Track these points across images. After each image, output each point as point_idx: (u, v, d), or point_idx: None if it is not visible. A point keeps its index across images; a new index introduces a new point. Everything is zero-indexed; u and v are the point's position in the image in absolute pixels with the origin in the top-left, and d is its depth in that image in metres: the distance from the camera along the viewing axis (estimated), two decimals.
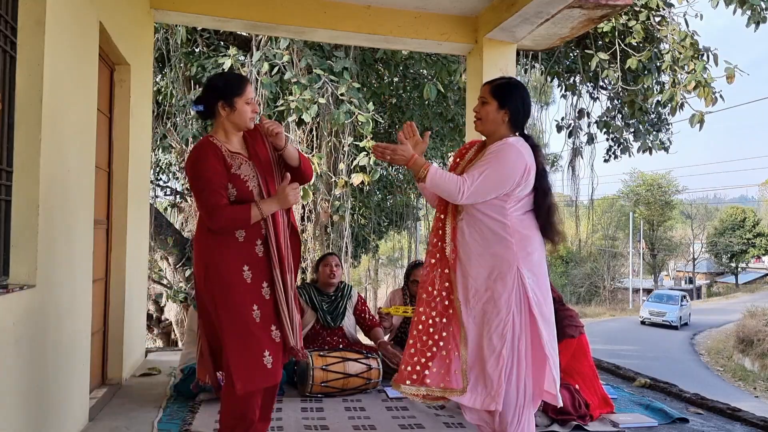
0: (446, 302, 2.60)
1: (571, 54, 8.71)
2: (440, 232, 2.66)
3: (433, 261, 2.65)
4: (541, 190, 2.60)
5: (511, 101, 2.61)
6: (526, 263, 2.50)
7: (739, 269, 44.68)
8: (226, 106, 2.57)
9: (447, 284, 2.60)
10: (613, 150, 9.84)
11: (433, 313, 2.60)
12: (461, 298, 2.56)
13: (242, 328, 2.48)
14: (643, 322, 28.94)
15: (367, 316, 4.50)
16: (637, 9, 7.30)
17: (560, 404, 2.60)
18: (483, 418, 2.62)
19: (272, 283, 2.56)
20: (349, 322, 4.41)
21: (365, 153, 6.88)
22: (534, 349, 2.51)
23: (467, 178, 2.49)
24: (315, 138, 8.41)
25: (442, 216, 2.67)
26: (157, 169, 9.68)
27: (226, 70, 6.72)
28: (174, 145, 8.20)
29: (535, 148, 2.62)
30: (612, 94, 9.19)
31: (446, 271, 2.60)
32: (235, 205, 2.52)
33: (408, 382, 2.57)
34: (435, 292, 2.62)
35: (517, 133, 2.64)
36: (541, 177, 2.60)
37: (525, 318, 2.50)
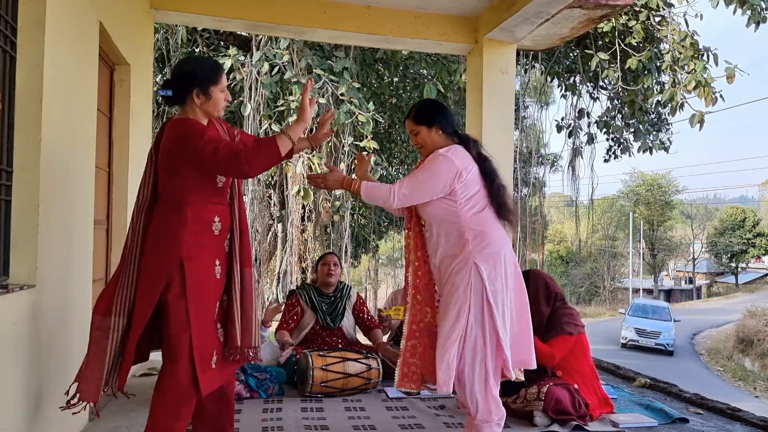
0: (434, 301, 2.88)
1: (571, 54, 8.72)
2: (409, 240, 2.95)
3: (416, 264, 2.90)
4: (488, 177, 2.80)
5: (435, 119, 2.86)
6: (483, 257, 2.70)
7: (739, 269, 44.67)
8: (202, 94, 2.42)
9: (431, 284, 2.88)
10: (613, 150, 9.85)
11: (428, 311, 2.88)
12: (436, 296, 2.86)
13: (205, 326, 2.36)
14: (624, 345, 21.10)
15: (366, 316, 4.50)
16: (637, 9, 7.31)
17: (513, 377, 2.77)
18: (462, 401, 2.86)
19: (231, 278, 2.48)
20: (348, 323, 4.41)
21: (366, 153, 6.88)
22: (493, 334, 2.70)
23: (398, 184, 2.76)
24: None
25: (408, 226, 2.95)
26: None
27: (225, 70, 6.73)
28: None
29: (474, 143, 2.88)
30: (612, 94, 9.20)
31: (427, 272, 2.88)
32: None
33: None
34: (425, 292, 2.88)
35: (455, 140, 2.87)
36: (485, 167, 2.82)
37: (484, 307, 2.69)
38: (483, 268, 2.68)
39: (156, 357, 2.58)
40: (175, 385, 2.33)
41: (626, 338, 21.04)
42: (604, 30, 7.60)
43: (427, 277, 2.88)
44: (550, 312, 3.53)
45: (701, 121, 7.09)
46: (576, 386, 3.37)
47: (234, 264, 2.46)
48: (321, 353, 3.87)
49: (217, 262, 2.42)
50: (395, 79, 8.92)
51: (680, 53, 7.20)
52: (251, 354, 2.50)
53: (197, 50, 7.71)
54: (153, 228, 2.40)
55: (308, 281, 6.22)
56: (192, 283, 2.32)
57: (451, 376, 2.66)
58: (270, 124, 7.16)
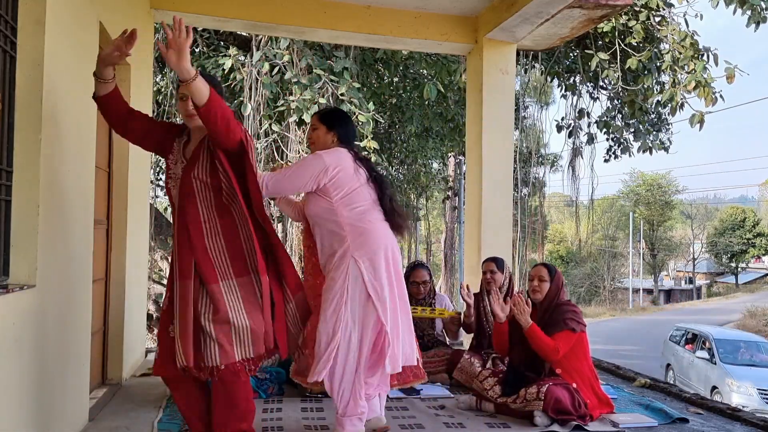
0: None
1: (571, 54, 8.72)
2: (308, 234, 3.16)
3: (313, 259, 3.12)
4: (379, 189, 2.97)
5: (336, 125, 3.03)
6: (362, 252, 2.82)
7: (739, 269, 44.68)
8: None
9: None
10: (613, 150, 9.85)
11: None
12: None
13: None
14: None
15: None
16: (637, 9, 7.30)
17: (389, 371, 2.87)
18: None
19: (171, 285, 2.53)
20: None
21: (365, 153, 6.88)
22: (375, 327, 2.80)
23: (267, 176, 2.89)
24: None
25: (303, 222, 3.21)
26: (157, 169, 9.68)
27: (226, 70, 6.73)
28: None
29: (364, 160, 3.04)
30: (612, 94, 9.19)
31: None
32: None
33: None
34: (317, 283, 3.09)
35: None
36: (375, 176, 2.99)
37: (363, 300, 2.79)
38: (362, 262, 2.80)
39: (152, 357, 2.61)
40: None
41: (744, 406, 9.54)
42: (604, 30, 7.60)
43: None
44: (553, 308, 3.53)
45: (701, 121, 7.09)
46: (575, 385, 3.37)
47: (174, 272, 2.50)
48: None
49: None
50: (395, 79, 8.92)
51: (680, 53, 7.20)
52: (188, 367, 2.41)
53: (197, 50, 7.71)
54: None
55: None
56: None
57: (326, 367, 2.77)
58: (270, 124, 7.16)
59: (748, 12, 6.73)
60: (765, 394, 10.54)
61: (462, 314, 4.42)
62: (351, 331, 2.79)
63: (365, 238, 2.84)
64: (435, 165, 14.97)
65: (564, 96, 9.75)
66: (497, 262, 4.36)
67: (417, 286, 4.47)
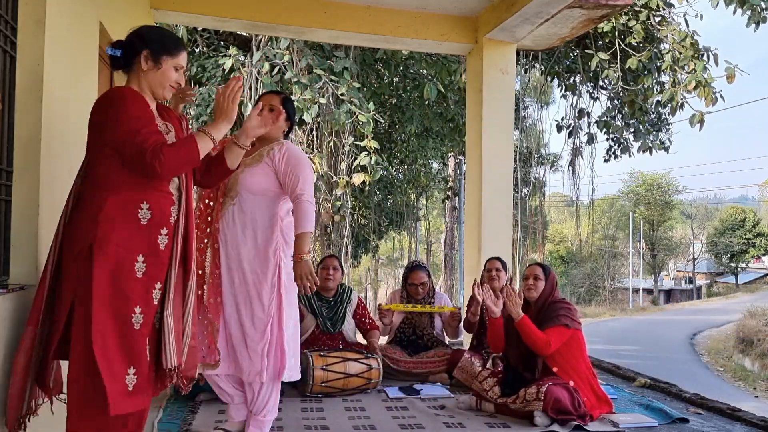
0: (214, 280, 2.77)
1: (571, 54, 8.72)
2: (209, 213, 2.85)
3: (205, 241, 2.81)
4: None
5: (292, 117, 3.00)
6: (287, 250, 2.80)
7: (739, 269, 44.64)
8: (151, 59, 2.13)
9: (217, 262, 2.79)
10: (613, 150, 9.85)
11: (201, 292, 2.72)
12: (226, 278, 2.78)
13: (114, 331, 1.98)
14: None
15: (366, 320, 4.45)
16: (637, 9, 7.31)
17: (296, 378, 2.87)
18: (237, 391, 2.91)
19: (166, 286, 2.12)
20: (349, 327, 4.34)
21: (366, 152, 6.89)
22: (281, 328, 2.77)
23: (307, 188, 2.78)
24: (315, 138, 8.42)
25: (211, 196, 2.85)
26: None
27: (226, 71, 6.72)
28: None
29: None
30: (612, 94, 9.20)
31: (216, 246, 2.80)
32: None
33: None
34: (207, 270, 2.77)
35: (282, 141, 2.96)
36: None
37: (276, 300, 2.77)
38: (284, 262, 2.78)
39: None
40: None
41: None
42: (604, 30, 7.60)
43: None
44: (548, 306, 3.54)
45: (701, 121, 7.09)
46: (572, 383, 3.37)
47: (171, 270, 2.12)
48: (321, 353, 3.87)
49: (140, 258, 2.03)
50: (395, 79, 8.92)
51: (680, 53, 7.20)
52: (178, 381, 2.15)
53: (197, 50, 7.71)
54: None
55: None
56: (99, 271, 1.97)
57: (266, 363, 2.71)
58: None
59: (748, 12, 6.73)
60: None
61: (462, 311, 4.43)
62: (275, 327, 2.78)
63: (291, 236, 2.80)
64: (435, 165, 14.98)
65: (564, 96, 9.76)
66: (501, 261, 4.41)
67: (416, 287, 4.48)
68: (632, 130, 9.18)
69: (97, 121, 2.10)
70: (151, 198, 2.09)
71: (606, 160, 10.07)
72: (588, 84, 9.22)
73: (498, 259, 4.45)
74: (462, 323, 4.50)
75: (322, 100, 6.43)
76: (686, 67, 7.18)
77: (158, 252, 2.09)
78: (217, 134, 2.16)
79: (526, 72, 10.06)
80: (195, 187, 2.50)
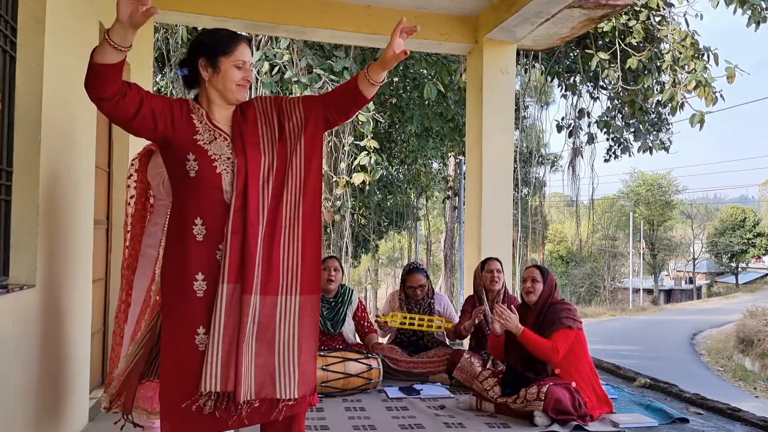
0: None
1: (571, 54, 8.72)
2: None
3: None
4: None
5: None
6: None
7: (739, 269, 44.65)
8: (208, 65, 2.01)
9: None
10: (613, 150, 9.86)
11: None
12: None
13: (178, 356, 1.90)
14: None
15: (365, 323, 4.45)
16: (637, 9, 7.31)
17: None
18: None
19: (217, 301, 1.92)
20: (348, 328, 4.35)
21: (366, 152, 6.89)
22: None
23: None
24: None
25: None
26: None
27: None
28: None
29: None
30: (612, 94, 9.20)
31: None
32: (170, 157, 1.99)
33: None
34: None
35: None
36: None
37: None
38: None
39: None
40: None
41: None
42: (604, 30, 7.60)
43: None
44: (548, 308, 3.54)
45: (701, 121, 7.10)
46: (574, 384, 3.37)
47: (221, 285, 1.90)
48: (321, 353, 3.87)
49: (200, 276, 1.91)
50: (395, 79, 8.92)
51: (680, 53, 7.20)
52: (220, 403, 1.90)
53: None
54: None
55: None
56: (164, 297, 1.95)
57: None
58: None
59: (749, 12, 6.74)
60: None
61: (457, 325, 4.42)
62: None
63: None
64: (435, 165, 14.98)
65: (564, 96, 9.76)
66: (500, 262, 4.43)
67: (414, 290, 4.48)
68: (632, 130, 9.18)
69: None
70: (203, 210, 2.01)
71: (606, 160, 10.08)
72: (588, 84, 9.22)
73: (497, 259, 4.46)
74: (455, 334, 4.48)
75: None
76: (686, 67, 7.18)
77: (215, 266, 1.97)
78: (110, 31, 1.74)
79: (526, 72, 10.05)
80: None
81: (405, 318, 4.30)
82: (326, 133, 8.43)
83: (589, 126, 9.95)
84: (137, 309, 2.52)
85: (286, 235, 1.99)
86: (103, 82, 1.78)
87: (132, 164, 2.67)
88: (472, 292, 4.62)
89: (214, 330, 1.88)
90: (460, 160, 14.74)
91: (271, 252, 1.96)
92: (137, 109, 1.87)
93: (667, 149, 9.42)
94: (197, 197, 1.94)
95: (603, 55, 7.46)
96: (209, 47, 2.02)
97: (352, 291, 4.48)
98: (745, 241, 41.98)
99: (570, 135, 10.28)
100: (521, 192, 14.82)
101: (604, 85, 9.14)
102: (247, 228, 1.93)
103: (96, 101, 1.82)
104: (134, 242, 2.59)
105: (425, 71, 8.37)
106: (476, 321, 4.23)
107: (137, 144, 4.26)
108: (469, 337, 4.52)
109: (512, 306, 3.73)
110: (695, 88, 7.00)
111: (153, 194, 2.65)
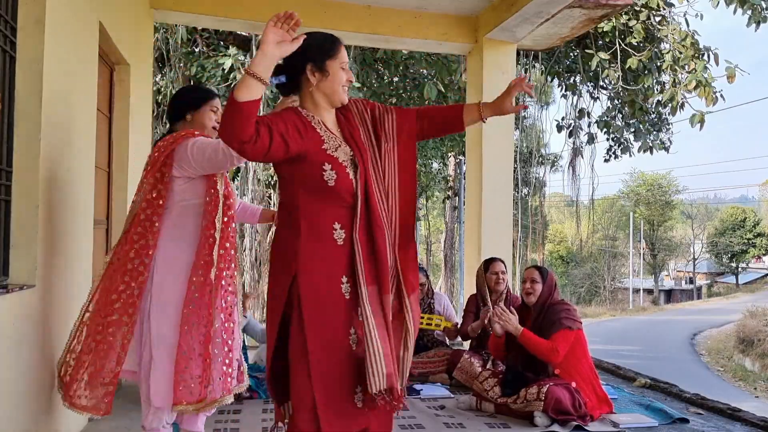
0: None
1: (571, 54, 8.71)
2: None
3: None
4: None
5: None
6: None
7: (739, 269, 44.65)
8: (317, 70, 1.99)
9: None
10: (613, 150, 9.85)
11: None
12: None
13: (335, 358, 1.93)
14: None
15: None
16: (637, 9, 7.30)
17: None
18: None
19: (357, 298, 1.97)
20: None
21: None
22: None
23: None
24: None
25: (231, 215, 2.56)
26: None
27: (225, 70, 6.71)
28: None
29: None
30: (612, 94, 9.19)
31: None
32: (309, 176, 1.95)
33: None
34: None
35: None
36: None
37: None
38: None
39: None
40: None
41: None
42: (604, 30, 7.60)
43: None
44: (547, 308, 3.54)
45: (701, 121, 7.09)
46: (574, 384, 3.37)
47: (359, 280, 1.95)
48: None
49: (345, 279, 1.96)
50: (395, 79, 8.92)
51: (680, 53, 7.20)
52: (394, 401, 1.93)
53: (197, 50, 7.71)
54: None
55: None
56: (307, 303, 1.92)
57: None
58: None
59: (749, 12, 6.73)
60: None
61: (460, 325, 4.42)
62: None
63: None
64: (435, 165, 14.97)
65: (564, 96, 9.75)
66: (504, 263, 4.44)
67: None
68: (632, 130, 9.17)
69: None
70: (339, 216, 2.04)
71: (606, 160, 10.07)
72: (588, 84, 9.22)
73: (500, 260, 4.44)
74: (459, 335, 4.48)
75: None
76: (686, 67, 7.18)
77: (352, 265, 2.01)
78: (253, 66, 1.76)
79: (526, 72, 10.04)
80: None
81: (432, 318, 4.31)
82: None
83: (589, 126, 9.95)
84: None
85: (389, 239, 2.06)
86: (246, 121, 1.74)
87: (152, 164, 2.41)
88: (472, 293, 4.62)
89: (369, 330, 1.90)
90: (460, 160, 14.74)
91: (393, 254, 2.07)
92: (270, 139, 1.83)
93: (667, 149, 9.41)
94: (335, 204, 1.97)
95: (603, 55, 7.45)
96: (316, 51, 2.00)
97: None
98: (746, 241, 41.98)
99: (570, 135, 10.27)
100: (521, 192, 14.82)
101: (604, 85, 9.14)
102: (374, 230, 1.98)
103: (239, 147, 1.79)
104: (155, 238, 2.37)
105: (425, 71, 8.37)
106: (485, 322, 4.22)
107: (137, 144, 4.27)
108: None
109: (512, 307, 3.73)
110: (695, 88, 7.00)
111: (164, 194, 2.38)
